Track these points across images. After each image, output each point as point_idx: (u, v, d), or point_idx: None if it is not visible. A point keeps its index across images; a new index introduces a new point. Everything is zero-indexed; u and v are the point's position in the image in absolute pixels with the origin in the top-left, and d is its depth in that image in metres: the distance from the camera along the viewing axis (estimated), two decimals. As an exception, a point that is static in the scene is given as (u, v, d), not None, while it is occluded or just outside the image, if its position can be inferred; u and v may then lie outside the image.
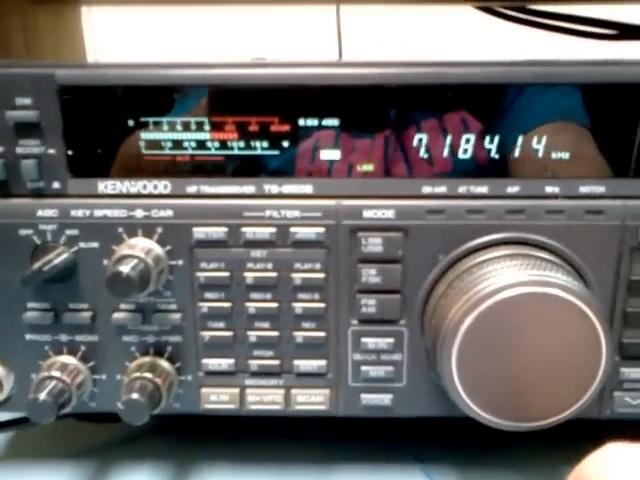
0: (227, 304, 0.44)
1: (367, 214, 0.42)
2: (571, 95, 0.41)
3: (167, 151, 0.42)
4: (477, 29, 0.94)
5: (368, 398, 0.45)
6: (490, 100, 0.41)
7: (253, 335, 0.44)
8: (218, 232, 0.42)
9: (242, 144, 0.42)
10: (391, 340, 0.44)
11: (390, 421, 0.48)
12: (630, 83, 0.40)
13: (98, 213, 0.42)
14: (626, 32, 0.68)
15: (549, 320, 0.38)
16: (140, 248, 0.41)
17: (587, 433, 0.48)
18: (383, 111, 0.41)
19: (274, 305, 0.44)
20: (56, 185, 0.43)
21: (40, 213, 0.42)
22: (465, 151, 0.41)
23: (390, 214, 0.42)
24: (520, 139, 0.41)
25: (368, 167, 0.42)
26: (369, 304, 0.43)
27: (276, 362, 0.45)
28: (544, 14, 0.71)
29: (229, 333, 0.44)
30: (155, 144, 0.42)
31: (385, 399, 0.45)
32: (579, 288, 0.38)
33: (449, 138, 0.41)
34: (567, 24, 0.71)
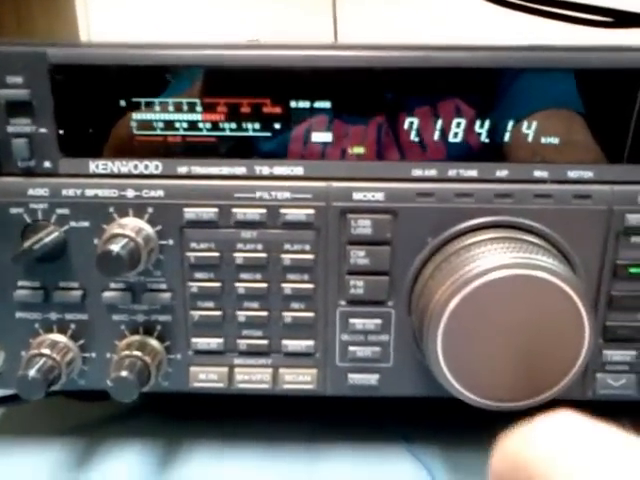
0: (217, 284, 0.44)
1: (357, 196, 0.42)
2: (564, 81, 0.41)
3: (158, 132, 0.42)
4: (473, 14, 0.94)
5: (355, 378, 0.46)
6: (482, 85, 0.41)
7: (242, 315, 0.45)
8: (209, 212, 0.43)
9: (234, 125, 0.42)
10: (379, 321, 0.44)
11: (378, 402, 0.48)
12: (624, 69, 0.40)
13: (89, 192, 0.43)
14: (623, 20, 0.69)
15: (534, 302, 0.39)
16: (130, 228, 0.42)
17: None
18: (375, 94, 0.42)
19: (263, 285, 0.44)
20: (47, 164, 0.43)
21: (31, 192, 0.43)
22: (456, 135, 0.42)
23: (380, 196, 0.42)
24: (510, 124, 0.41)
25: (359, 150, 0.42)
26: (357, 285, 0.44)
27: (265, 342, 0.45)
28: (541, 0, 0.71)
29: (218, 313, 0.45)
30: (147, 124, 0.42)
31: (372, 379, 0.46)
32: (564, 271, 0.39)
33: (440, 122, 0.42)
34: (564, 11, 0.71)
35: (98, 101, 0.42)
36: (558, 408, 0.28)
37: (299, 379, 0.46)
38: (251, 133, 0.42)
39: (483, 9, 0.79)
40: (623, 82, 0.41)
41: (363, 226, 0.42)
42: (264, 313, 0.45)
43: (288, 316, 0.45)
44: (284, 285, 0.44)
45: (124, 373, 0.42)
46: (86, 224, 0.43)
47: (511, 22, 0.82)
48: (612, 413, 0.30)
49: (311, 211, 0.42)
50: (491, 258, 0.39)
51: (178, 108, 0.42)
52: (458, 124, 0.42)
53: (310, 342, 0.45)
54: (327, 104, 0.42)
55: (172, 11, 1.31)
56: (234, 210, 0.43)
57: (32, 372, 0.42)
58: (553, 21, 0.73)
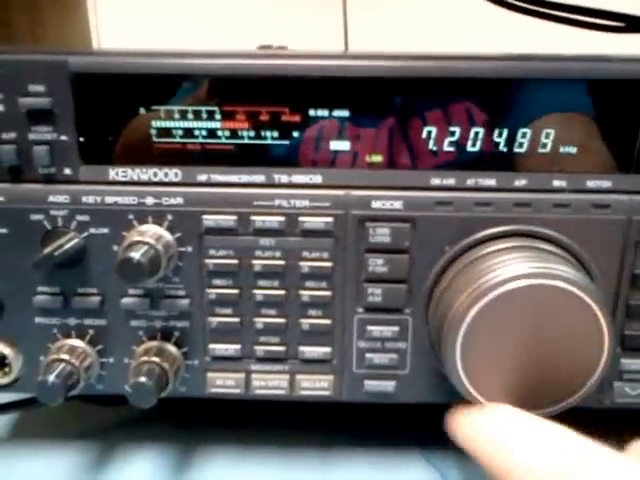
0: (235, 291, 0.44)
1: (375, 204, 0.42)
2: (578, 90, 0.41)
3: (178, 139, 0.42)
4: (483, 19, 0.94)
5: (371, 384, 0.46)
6: (498, 93, 0.41)
7: (260, 322, 0.45)
8: (227, 220, 0.43)
9: (252, 133, 0.42)
10: (396, 328, 0.45)
11: (393, 409, 0.48)
12: (634, 79, 0.41)
13: (109, 200, 0.43)
14: (633, 24, 0.69)
15: (553, 312, 0.39)
16: (150, 235, 0.42)
17: (586, 422, 0.49)
18: (392, 103, 0.42)
19: (281, 293, 0.44)
20: (67, 171, 0.43)
21: (51, 199, 0.43)
22: (474, 144, 0.42)
23: (398, 205, 0.42)
24: (528, 133, 0.41)
25: (377, 158, 0.43)
26: (375, 293, 0.44)
27: (282, 348, 0.46)
28: (550, 5, 0.71)
29: (236, 319, 0.45)
30: (166, 132, 0.42)
31: (388, 386, 0.46)
32: (583, 281, 0.39)
33: (458, 131, 0.42)
34: (573, 15, 0.71)
35: (118, 109, 0.42)
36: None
37: (316, 385, 0.46)
38: (270, 141, 0.42)
39: (494, 14, 0.79)
40: (632, 92, 0.41)
41: (381, 234, 0.43)
42: (282, 320, 0.45)
43: (305, 323, 0.45)
44: (302, 292, 0.44)
45: (143, 379, 0.42)
46: (106, 231, 0.43)
47: (522, 27, 0.82)
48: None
49: (330, 219, 0.43)
50: (510, 267, 0.39)
51: (197, 116, 0.42)
52: (476, 133, 0.42)
53: (327, 349, 0.45)
54: (345, 112, 0.42)
55: (181, 15, 1.31)
56: (253, 218, 0.43)
57: (52, 377, 0.42)
58: (564, 26, 0.73)
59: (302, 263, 0.43)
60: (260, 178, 0.43)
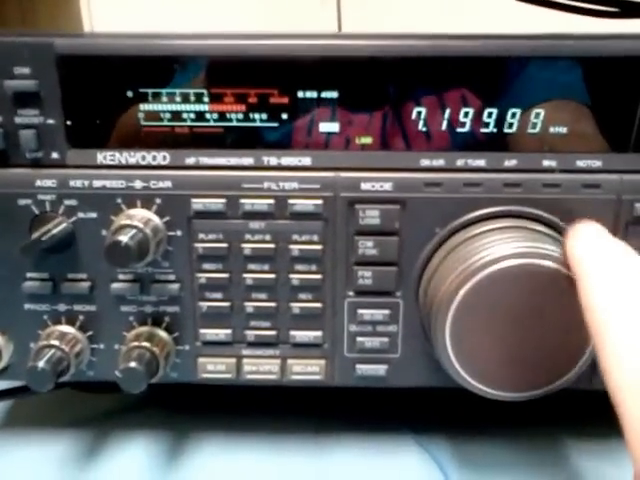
0: (225, 275, 0.44)
1: (365, 186, 0.42)
2: (571, 70, 0.41)
3: (166, 122, 0.42)
4: (480, 10, 0.94)
5: (363, 368, 0.46)
6: (490, 74, 0.41)
7: (250, 306, 0.45)
8: (216, 203, 0.43)
9: (241, 116, 0.42)
10: (387, 312, 0.44)
11: (386, 394, 0.48)
12: (631, 57, 0.40)
13: (97, 183, 0.43)
14: (628, 10, 0.68)
15: (542, 292, 0.38)
16: (139, 218, 0.42)
17: (581, 404, 0.49)
18: (382, 84, 0.41)
19: (271, 276, 0.44)
20: (55, 155, 0.42)
21: (39, 183, 0.42)
22: (464, 125, 0.42)
23: (388, 187, 0.42)
24: (519, 114, 0.41)
25: (366, 140, 0.42)
26: (365, 276, 0.44)
27: (273, 333, 0.45)
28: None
29: (226, 304, 0.45)
30: (154, 115, 0.42)
31: (380, 370, 0.46)
32: (573, 261, 0.39)
33: (448, 112, 0.41)
34: (568, 1, 0.71)
35: (105, 92, 0.41)
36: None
37: (307, 370, 0.46)
38: (258, 124, 0.42)
39: (491, 5, 0.79)
40: (629, 70, 0.40)
41: (371, 216, 0.42)
42: (272, 304, 0.45)
43: (296, 307, 0.45)
44: (292, 276, 0.44)
45: (133, 364, 0.42)
46: (94, 215, 0.43)
47: (518, 15, 0.82)
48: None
49: (319, 201, 0.42)
50: (499, 247, 0.39)
51: (185, 99, 0.42)
52: (466, 114, 0.42)
53: (318, 333, 0.45)
54: (334, 94, 0.41)
55: (175, 10, 1.30)
56: (242, 201, 0.43)
57: (41, 363, 0.42)
58: (558, 11, 0.73)
59: (292, 246, 0.43)
60: (249, 161, 0.43)
